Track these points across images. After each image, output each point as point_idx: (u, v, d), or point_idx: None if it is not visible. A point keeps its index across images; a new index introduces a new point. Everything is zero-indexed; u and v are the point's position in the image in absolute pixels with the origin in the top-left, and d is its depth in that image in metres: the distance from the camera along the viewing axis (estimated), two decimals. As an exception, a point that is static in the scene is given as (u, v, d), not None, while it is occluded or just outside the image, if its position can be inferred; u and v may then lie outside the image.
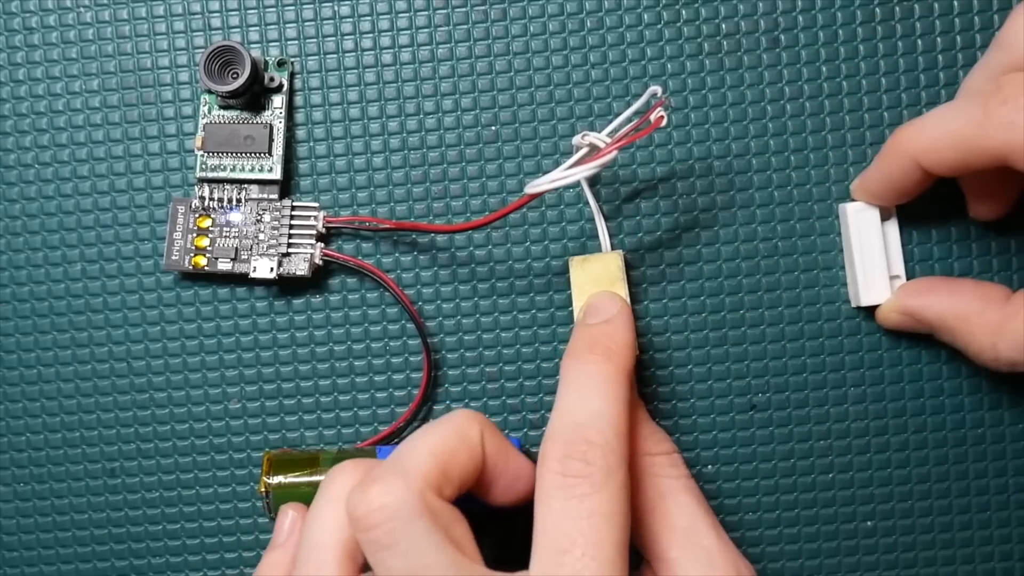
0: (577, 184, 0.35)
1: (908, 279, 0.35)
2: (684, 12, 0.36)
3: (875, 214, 0.34)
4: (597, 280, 0.33)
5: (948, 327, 0.32)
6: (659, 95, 0.31)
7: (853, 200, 0.35)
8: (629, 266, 0.34)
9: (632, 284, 0.34)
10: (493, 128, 0.36)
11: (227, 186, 0.35)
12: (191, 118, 0.36)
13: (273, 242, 0.34)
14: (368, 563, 0.26)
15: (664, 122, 0.30)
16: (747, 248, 0.35)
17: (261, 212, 0.35)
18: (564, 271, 0.35)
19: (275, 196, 0.35)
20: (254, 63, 0.34)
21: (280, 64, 0.35)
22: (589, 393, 0.28)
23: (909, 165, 0.31)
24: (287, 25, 0.36)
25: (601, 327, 0.30)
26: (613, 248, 0.34)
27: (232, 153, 0.35)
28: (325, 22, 0.36)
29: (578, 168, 0.31)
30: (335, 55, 0.36)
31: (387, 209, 0.36)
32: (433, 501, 0.26)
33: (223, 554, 0.35)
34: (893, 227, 0.35)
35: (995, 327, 0.31)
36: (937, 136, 0.30)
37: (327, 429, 0.35)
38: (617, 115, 0.32)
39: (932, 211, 0.35)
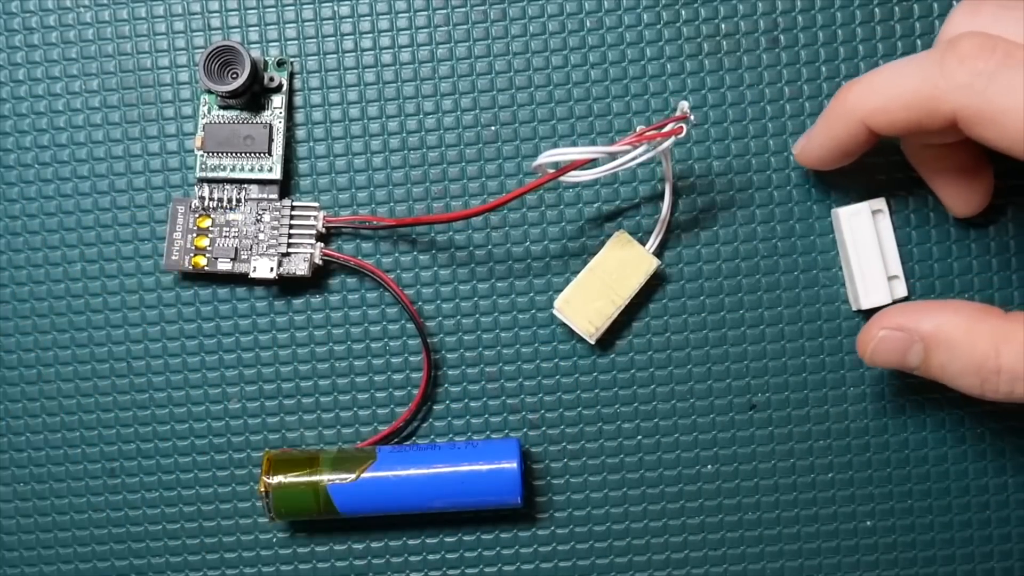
0: (576, 185, 0.35)
1: (907, 279, 0.35)
2: (684, 12, 0.36)
3: (868, 216, 0.34)
4: (622, 266, 0.34)
5: (947, 338, 0.29)
6: (686, 109, 0.31)
7: (847, 204, 0.35)
8: (660, 278, 0.34)
9: (641, 294, 0.34)
10: (493, 128, 0.36)
11: (227, 186, 0.35)
12: (191, 118, 0.36)
13: (273, 242, 0.35)
14: None
15: (682, 133, 0.31)
16: (747, 248, 0.35)
17: (261, 212, 0.35)
18: (564, 271, 0.35)
19: (275, 196, 0.35)
20: (254, 63, 0.34)
21: (280, 64, 0.35)
22: None
23: (856, 127, 0.30)
24: (287, 25, 0.36)
25: None
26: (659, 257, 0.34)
27: (232, 153, 0.35)
28: (325, 22, 0.36)
29: (616, 161, 0.31)
30: (335, 55, 0.36)
31: (387, 209, 0.36)
32: None
33: (223, 554, 0.35)
34: (887, 227, 0.35)
35: (999, 332, 0.28)
36: (888, 97, 0.29)
37: (327, 429, 0.36)
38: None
39: (932, 211, 0.35)
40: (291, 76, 0.36)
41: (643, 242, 0.34)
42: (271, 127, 0.35)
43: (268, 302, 0.36)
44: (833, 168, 0.33)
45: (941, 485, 0.35)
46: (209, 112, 0.35)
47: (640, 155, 0.31)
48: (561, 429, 0.35)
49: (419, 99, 0.36)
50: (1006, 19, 0.29)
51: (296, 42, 0.36)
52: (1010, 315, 0.29)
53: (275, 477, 0.33)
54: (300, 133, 0.36)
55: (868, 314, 0.35)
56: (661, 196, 0.35)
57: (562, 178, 0.32)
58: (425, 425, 0.36)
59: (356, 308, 0.36)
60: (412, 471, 0.33)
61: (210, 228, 0.35)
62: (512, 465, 0.33)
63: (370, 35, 0.36)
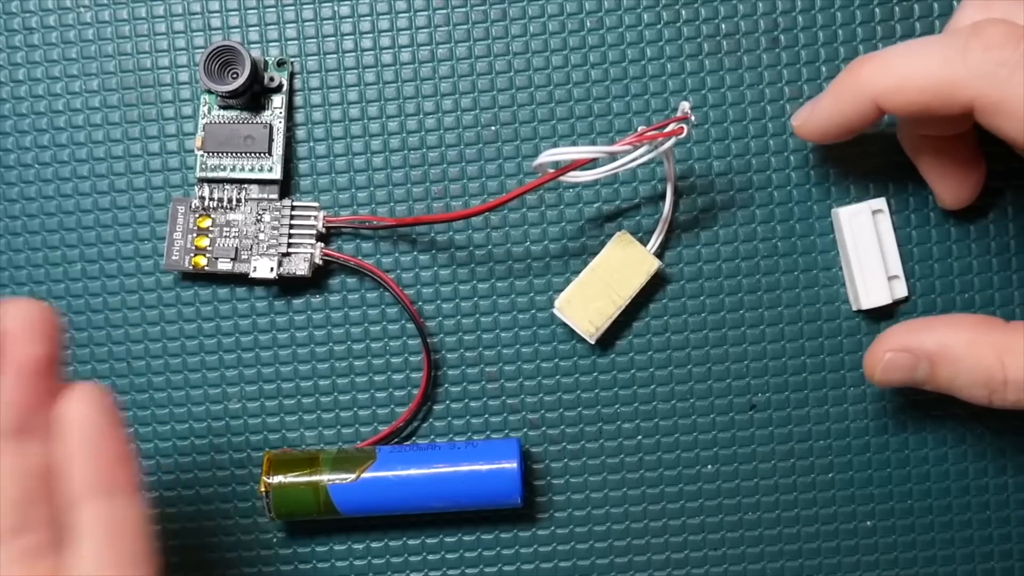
0: (576, 185, 0.35)
1: (907, 279, 0.35)
2: (684, 12, 0.36)
3: (868, 216, 0.34)
4: (623, 267, 0.34)
5: (952, 355, 0.29)
6: (687, 110, 0.31)
7: (847, 204, 0.35)
8: (660, 278, 0.34)
9: (641, 294, 0.34)
10: (493, 128, 0.36)
11: (227, 186, 0.35)
12: (191, 118, 0.36)
13: (273, 242, 0.35)
14: None
15: (684, 133, 0.31)
16: (747, 248, 0.35)
17: (261, 212, 0.35)
18: (564, 271, 0.35)
19: (275, 196, 0.35)
20: (254, 63, 0.34)
21: (280, 64, 0.35)
22: None
23: (866, 104, 0.29)
24: (287, 25, 0.36)
25: None
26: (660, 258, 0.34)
27: (232, 153, 0.35)
28: (325, 22, 0.36)
29: (614, 162, 0.31)
30: (335, 55, 0.36)
31: (387, 209, 0.36)
32: None
33: (223, 554, 0.35)
34: (887, 227, 0.35)
35: (1002, 344, 0.29)
36: (904, 77, 0.28)
37: (327, 429, 0.36)
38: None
39: (932, 211, 0.35)
40: (291, 76, 0.36)
41: (643, 242, 0.34)
42: (271, 127, 0.35)
43: (268, 302, 0.36)
44: (831, 142, 0.33)
45: (941, 485, 0.35)
46: (209, 112, 0.35)
47: (641, 155, 0.31)
48: (561, 429, 0.35)
49: (419, 99, 0.36)
50: (1017, 13, 0.28)
51: (296, 42, 0.36)
52: (1011, 325, 0.29)
53: (275, 477, 0.33)
54: (300, 133, 0.36)
55: (868, 314, 0.35)
56: (661, 196, 0.35)
57: (562, 178, 0.32)
58: (425, 425, 0.36)
59: (356, 308, 0.36)
60: (412, 471, 0.33)
61: (210, 228, 0.35)
62: (512, 465, 0.33)
63: (370, 35, 0.36)
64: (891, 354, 0.30)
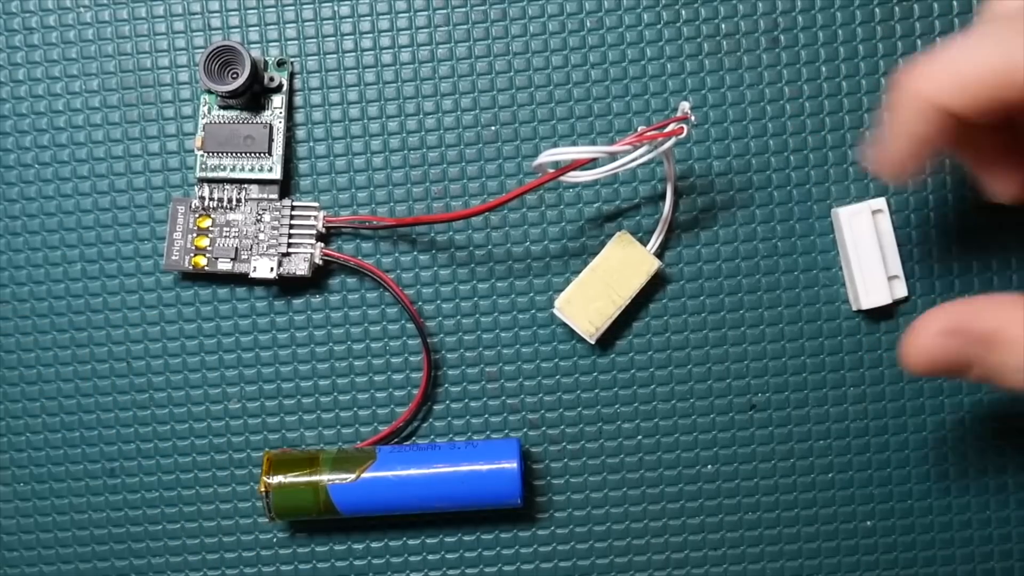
0: (576, 185, 0.35)
1: (907, 279, 0.35)
2: (684, 12, 0.36)
3: (868, 216, 0.34)
4: (623, 267, 0.34)
5: (1007, 336, 0.26)
6: (687, 110, 0.31)
7: (847, 204, 0.35)
8: (660, 278, 0.34)
9: (641, 294, 0.34)
10: (493, 128, 0.36)
11: (227, 186, 0.35)
12: (191, 118, 0.36)
13: (273, 242, 0.35)
14: None
15: (683, 134, 0.31)
16: (747, 248, 0.35)
17: (261, 212, 0.35)
18: (564, 271, 0.35)
19: (275, 196, 0.35)
20: (254, 63, 0.34)
21: (280, 64, 0.35)
22: None
23: (929, 113, 0.27)
24: (287, 25, 0.36)
25: None
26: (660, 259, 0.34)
27: (232, 153, 0.35)
28: (325, 22, 0.36)
29: (614, 162, 0.31)
30: (335, 55, 0.36)
31: (387, 209, 0.36)
32: None
33: (223, 554, 0.35)
34: (887, 227, 0.35)
35: None
36: (963, 71, 0.26)
37: (327, 429, 0.36)
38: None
39: (931, 211, 0.35)
40: (291, 76, 0.36)
41: (643, 242, 0.34)
42: (271, 127, 0.35)
43: (268, 302, 0.36)
44: (915, 171, 0.29)
45: (941, 485, 0.35)
46: (209, 112, 0.35)
47: (641, 155, 0.31)
48: (561, 429, 0.35)
49: (419, 99, 0.36)
50: None
51: (296, 42, 0.36)
52: None
53: (275, 477, 0.33)
54: (300, 133, 0.36)
55: (868, 314, 0.35)
56: (661, 196, 0.35)
57: (562, 178, 0.32)
58: (425, 425, 0.36)
59: (356, 308, 0.36)
60: (412, 471, 0.33)
61: (210, 228, 0.35)
62: (512, 465, 0.33)
63: (370, 35, 0.36)
64: (941, 338, 0.27)
